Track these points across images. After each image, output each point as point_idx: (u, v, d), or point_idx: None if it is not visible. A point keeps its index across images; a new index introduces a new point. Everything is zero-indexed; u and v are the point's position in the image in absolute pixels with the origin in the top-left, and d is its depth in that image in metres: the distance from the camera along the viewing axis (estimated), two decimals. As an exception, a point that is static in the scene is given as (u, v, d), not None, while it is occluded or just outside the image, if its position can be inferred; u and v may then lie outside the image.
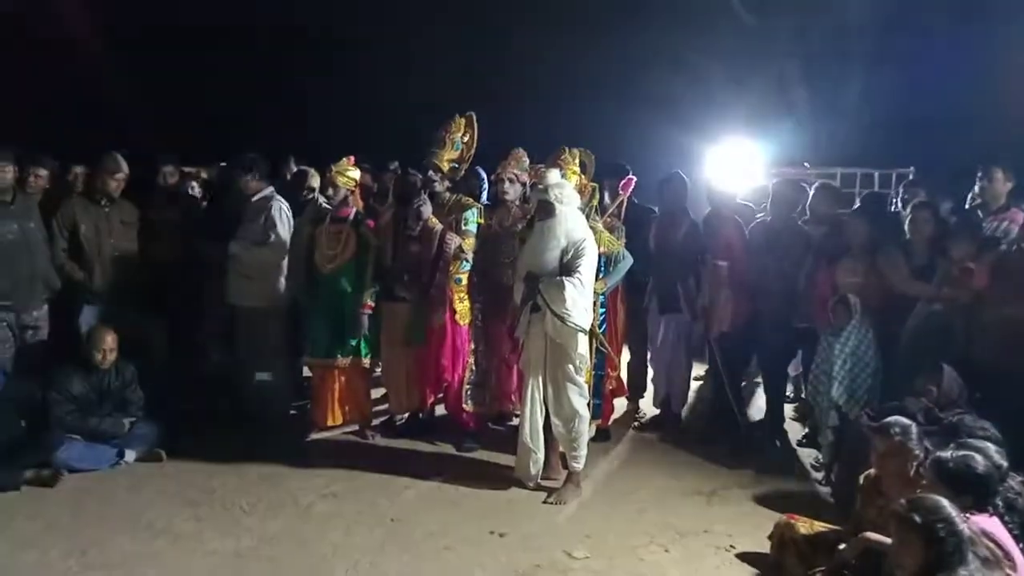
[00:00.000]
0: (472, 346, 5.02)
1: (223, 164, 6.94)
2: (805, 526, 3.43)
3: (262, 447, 4.74)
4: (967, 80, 7.88)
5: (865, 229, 4.78)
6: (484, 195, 5.52)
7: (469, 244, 4.94)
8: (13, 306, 4.75)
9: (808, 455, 4.98)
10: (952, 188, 5.64)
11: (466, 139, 5.17)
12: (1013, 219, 4.87)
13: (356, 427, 5.16)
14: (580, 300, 4.18)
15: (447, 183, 5.18)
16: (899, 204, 6.00)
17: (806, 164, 8.51)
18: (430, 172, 5.10)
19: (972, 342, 4.29)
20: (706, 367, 5.88)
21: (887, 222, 5.28)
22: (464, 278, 4.97)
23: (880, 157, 8.35)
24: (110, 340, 4.64)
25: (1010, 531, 2.87)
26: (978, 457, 2.94)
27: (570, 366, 4.24)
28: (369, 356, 5.06)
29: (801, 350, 5.28)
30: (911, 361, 4.26)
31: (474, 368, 5.02)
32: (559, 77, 10.23)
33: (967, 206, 5.39)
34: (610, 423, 5.26)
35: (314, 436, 5.10)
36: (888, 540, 2.78)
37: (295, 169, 6.22)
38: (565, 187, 4.33)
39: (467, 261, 4.95)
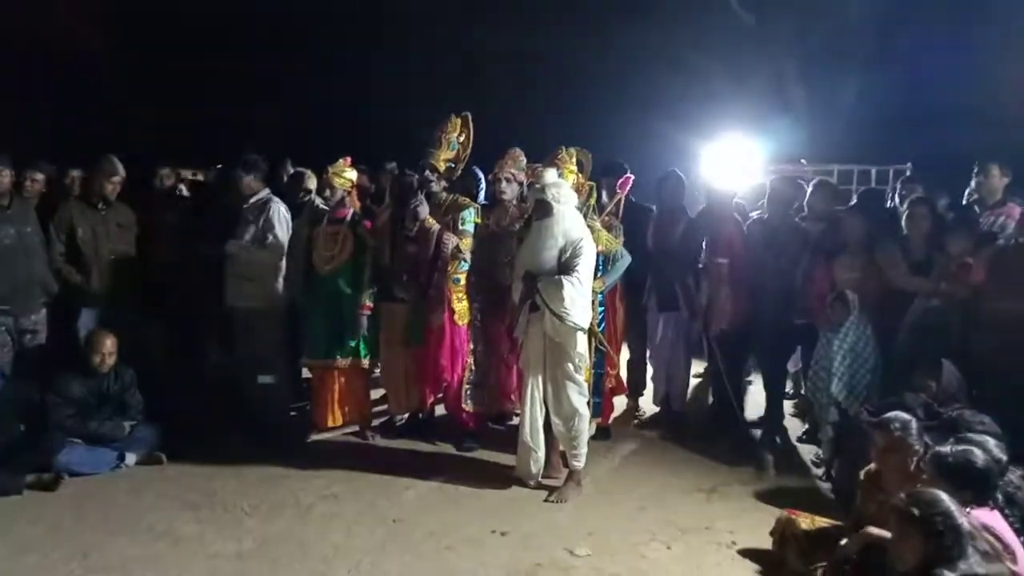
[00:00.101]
0: (471, 346, 5.02)
1: (219, 166, 6.96)
2: (806, 522, 3.45)
3: (262, 449, 4.74)
4: (963, 76, 7.90)
5: (862, 225, 4.79)
6: (481, 195, 5.52)
7: (466, 244, 4.94)
8: (11, 310, 4.76)
9: (808, 451, 4.99)
10: (949, 184, 5.66)
11: (462, 139, 5.17)
12: (1010, 214, 4.89)
13: (356, 428, 5.16)
14: (578, 299, 4.19)
15: (444, 183, 5.18)
16: (896, 200, 6.02)
17: (803, 161, 8.53)
18: (426, 172, 5.10)
19: (970, 337, 4.30)
20: (705, 365, 5.90)
21: (884, 218, 5.30)
22: (462, 278, 4.97)
23: (877, 153, 8.38)
24: (109, 344, 4.63)
25: (1010, 525, 2.88)
26: (977, 451, 2.95)
27: (569, 365, 4.24)
28: (368, 357, 5.06)
29: (800, 347, 5.29)
30: (909, 356, 4.28)
31: (473, 368, 5.02)
32: (556, 76, 10.25)
33: (964, 202, 5.41)
34: (610, 421, 5.26)
35: (314, 437, 5.10)
36: (888, 535, 2.79)
37: (292, 171, 6.22)
38: (562, 186, 4.33)
39: (465, 261, 4.94)
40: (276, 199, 5.28)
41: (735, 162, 7.90)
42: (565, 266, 4.18)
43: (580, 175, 4.77)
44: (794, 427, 5.39)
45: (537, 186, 4.35)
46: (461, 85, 8.82)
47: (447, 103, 5.35)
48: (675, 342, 5.51)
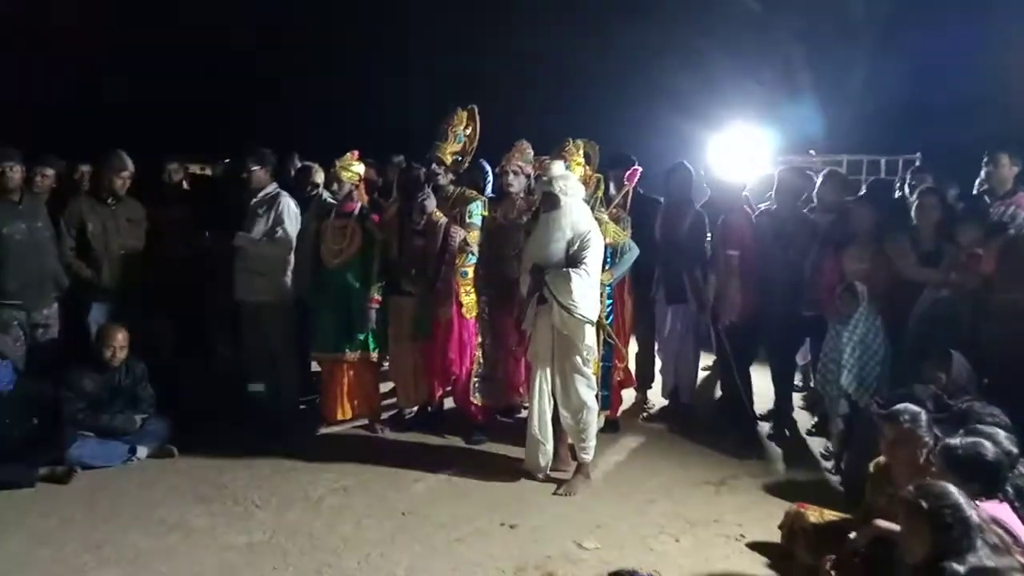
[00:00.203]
0: (479, 339, 5.03)
1: (227, 160, 6.98)
2: (815, 515, 3.44)
3: (272, 442, 4.77)
4: (973, 66, 7.83)
5: (871, 216, 4.76)
6: (489, 188, 5.52)
7: (474, 237, 4.94)
8: (23, 305, 4.78)
9: (817, 444, 4.98)
10: (958, 174, 5.62)
11: (468, 132, 5.17)
12: (1020, 204, 4.84)
13: (365, 421, 5.19)
14: (587, 291, 4.19)
15: (451, 176, 5.18)
16: (906, 190, 5.98)
17: (812, 152, 8.49)
18: (433, 166, 5.11)
19: (980, 328, 4.27)
20: (713, 357, 5.89)
21: (893, 209, 5.27)
22: (470, 271, 4.97)
23: (886, 144, 8.33)
24: (120, 338, 4.66)
25: (1021, 518, 2.87)
26: (987, 444, 2.94)
27: (577, 357, 4.25)
28: (377, 350, 5.07)
29: (809, 339, 5.28)
30: (919, 348, 4.26)
31: (481, 361, 5.04)
32: (562, 68, 10.22)
33: (974, 192, 5.37)
34: (619, 414, 5.27)
35: (324, 430, 5.12)
36: (897, 527, 2.78)
37: (299, 165, 6.22)
38: (570, 178, 4.33)
39: (472, 254, 4.95)
40: (285, 193, 5.30)
41: (743, 153, 7.87)
42: (573, 259, 4.17)
43: (587, 167, 4.76)
44: (803, 420, 5.38)
45: (544, 179, 4.35)
46: (467, 79, 8.80)
47: (452, 97, 5.35)
48: (684, 335, 5.50)
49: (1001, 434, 3.09)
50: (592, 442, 4.36)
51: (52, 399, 4.47)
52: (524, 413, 4.81)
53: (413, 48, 10.59)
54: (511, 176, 5.00)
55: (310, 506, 4.07)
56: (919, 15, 8.73)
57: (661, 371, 5.77)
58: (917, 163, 7.26)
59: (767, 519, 3.80)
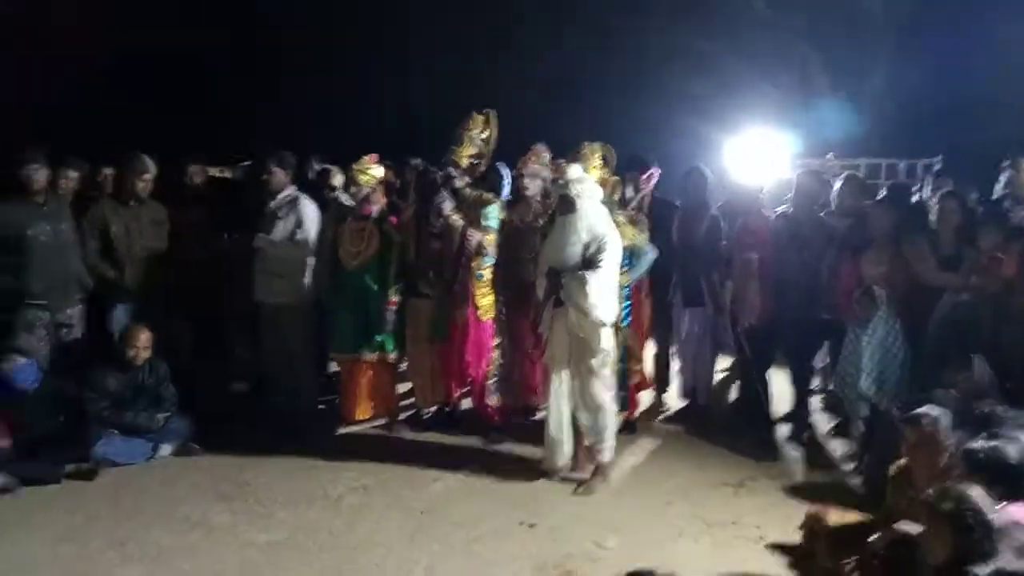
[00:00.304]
0: (496, 340, 5.05)
1: (247, 163, 7.04)
2: (835, 517, 3.43)
3: (292, 441, 4.81)
4: (993, 68, 7.79)
5: (890, 219, 4.74)
6: (505, 191, 5.54)
7: (490, 240, 4.97)
8: (48, 305, 4.85)
9: (837, 446, 4.96)
10: (978, 177, 5.60)
11: (486, 136, 5.20)
12: (1042, 207, 4.82)
13: (384, 421, 5.22)
14: (603, 294, 4.20)
15: (468, 179, 5.21)
16: (925, 193, 5.95)
17: (830, 155, 8.45)
18: (450, 169, 5.14)
19: (1001, 331, 4.25)
20: (730, 360, 5.88)
21: (912, 212, 5.25)
22: (486, 274, 5.00)
23: (905, 147, 8.27)
24: (143, 338, 4.73)
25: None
26: (1010, 447, 2.93)
27: (594, 360, 4.25)
28: (395, 351, 5.11)
29: (828, 342, 5.26)
30: (939, 351, 4.24)
31: (499, 362, 5.06)
32: (579, 72, 10.24)
33: (994, 195, 5.34)
34: (636, 415, 5.27)
35: (343, 430, 5.16)
36: (919, 530, 2.78)
37: (318, 168, 6.28)
38: (586, 182, 4.35)
39: (489, 257, 4.98)
40: (304, 196, 5.34)
41: (760, 156, 7.85)
42: (589, 261, 4.19)
43: (604, 170, 4.78)
44: (823, 423, 5.36)
45: (561, 182, 4.36)
46: (485, 83, 8.85)
47: (471, 100, 5.39)
48: (701, 337, 5.50)
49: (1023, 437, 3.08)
50: (610, 443, 4.36)
51: (77, 398, 4.55)
52: (541, 414, 4.82)
53: (419, 50, 10.64)
54: (527, 179, 5.03)
55: (330, 505, 4.10)
56: (938, 16, 8.69)
57: (678, 373, 5.77)
58: (936, 166, 7.21)
59: (786, 521, 3.79)
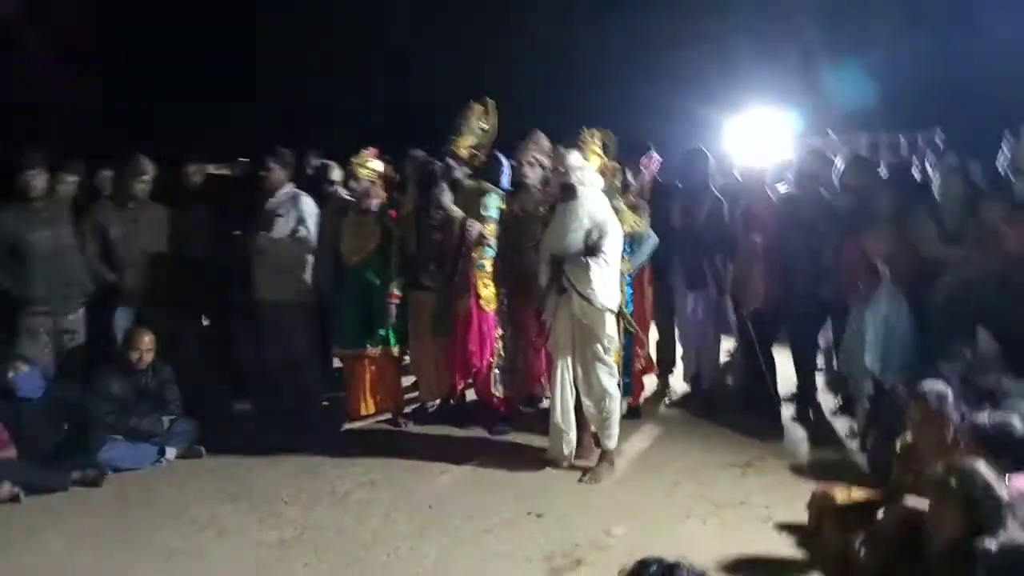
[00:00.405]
0: (499, 331, 5.04)
1: (244, 160, 7.03)
2: (842, 495, 3.42)
3: (298, 439, 4.82)
4: (994, 41, 7.70)
5: (893, 196, 4.71)
6: (505, 180, 5.52)
7: (491, 230, 4.95)
8: (50, 311, 4.85)
9: (843, 425, 4.95)
10: (981, 151, 5.54)
11: (485, 125, 5.19)
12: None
13: (389, 415, 5.23)
14: (606, 280, 4.20)
15: (467, 170, 5.20)
16: (928, 168, 5.90)
17: (830, 132, 8.39)
18: (449, 160, 5.12)
19: (1005, 305, 4.21)
20: (733, 342, 5.86)
21: (915, 188, 5.21)
22: (488, 264, 4.99)
23: (907, 121, 8.19)
24: (146, 341, 4.73)
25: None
26: (1015, 420, 2.91)
27: (598, 346, 4.25)
28: (398, 345, 5.11)
29: (832, 320, 5.24)
30: (944, 326, 4.21)
31: (502, 353, 5.05)
32: (576, 57, 10.17)
33: (997, 168, 5.29)
34: (640, 401, 5.27)
35: (348, 426, 5.17)
36: (926, 506, 2.77)
37: (316, 163, 6.26)
38: (586, 168, 4.33)
39: (490, 247, 4.97)
40: (303, 193, 5.33)
41: (762, 135, 7.81)
42: (591, 248, 4.18)
43: (604, 156, 4.74)
44: (828, 401, 5.34)
45: (561, 169, 4.35)
46: (482, 70, 8.81)
47: (468, 89, 5.37)
48: (704, 320, 5.48)
49: (1029, 410, 3.06)
50: (615, 429, 4.36)
51: (81, 404, 4.54)
52: (546, 403, 4.82)
53: (417, 39, 10.57)
54: (527, 168, 5.00)
55: (338, 501, 4.11)
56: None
57: (682, 357, 5.76)
58: (938, 140, 7.15)
59: (794, 500, 3.79)
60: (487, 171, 5.44)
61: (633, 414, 5.12)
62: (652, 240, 4.96)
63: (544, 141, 5.16)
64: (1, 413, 4.27)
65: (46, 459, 4.31)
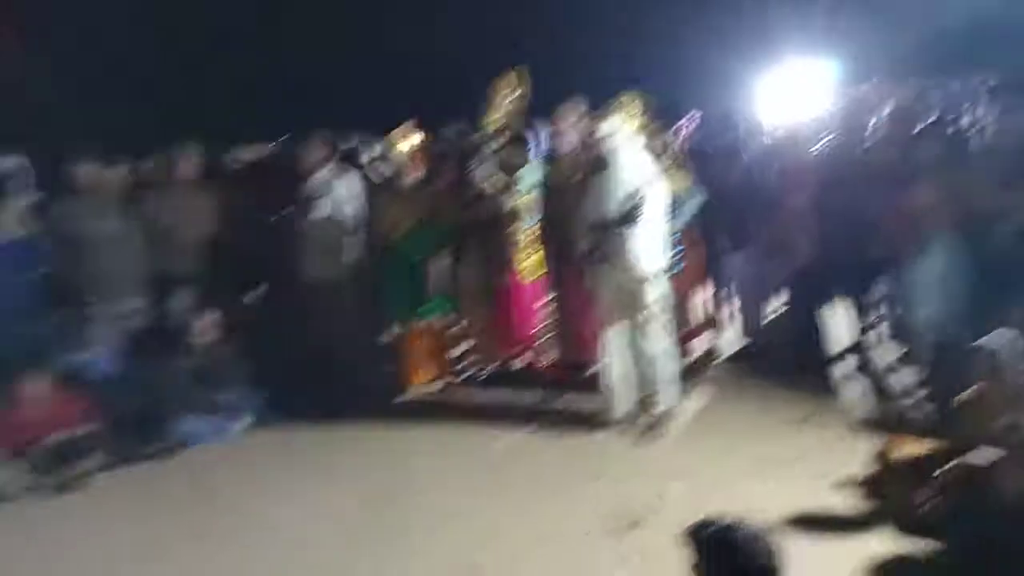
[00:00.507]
0: (545, 298, 5.07)
1: (284, 139, 7.11)
2: (904, 449, 3.40)
3: (355, 410, 4.92)
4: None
5: (941, 145, 4.58)
6: (542, 149, 5.50)
7: (527, 201, 4.96)
8: (113, 297, 5.01)
9: (902, 377, 4.87)
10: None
11: (517, 95, 5.17)
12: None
13: (441, 384, 5.31)
14: (649, 244, 4.18)
15: (502, 141, 5.19)
16: (979, 113, 5.70)
17: (874, 80, 8.14)
18: (483, 131, 5.12)
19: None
20: (783, 299, 5.79)
21: (965, 134, 5.05)
22: (526, 236, 5.00)
23: (956, 64, 7.90)
24: (207, 320, 4.89)
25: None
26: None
27: (648, 309, 4.25)
28: (446, 315, 5.17)
29: (885, 275, 5.13)
30: (1004, 275, 4.10)
31: (549, 320, 5.08)
32: (608, 20, 10.00)
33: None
34: (692, 361, 5.25)
35: (402, 396, 5.26)
36: (993, 459, 2.74)
37: (356, 141, 6.31)
38: (624, 133, 4.29)
39: (528, 218, 4.97)
40: (343, 172, 5.38)
41: (800, 88, 7.61)
42: (632, 213, 4.16)
43: (641, 120, 4.69)
44: (887, 353, 5.25)
45: (598, 136, 4.32)
46: (511, 37, 8.71)
47: (501, 58, 5.33)
48: (753, 278, 5.43)
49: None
50: (668, 391, 4.38)
51: (153, 382, 4.72)
52: (597, 367, 4.84)
53: (450, 14, 10.49)
54: (563, 136, 4.97)
55: (398, 469, 4.20)
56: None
57: (732, 316, 5.72)
58: (990, 84, 6.89)
59: (854, 455, 3.76)
60: (523, 140, 5.43)
61: (685, 375, 5.11)
62: (695, 200, 4.91)
63: (580, 108, 5.12)
64: (82, 391, 4.47)
65: (122, 435, 4.50)
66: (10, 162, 5.10)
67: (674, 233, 4.64)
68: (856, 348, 5.15)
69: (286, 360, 5.40)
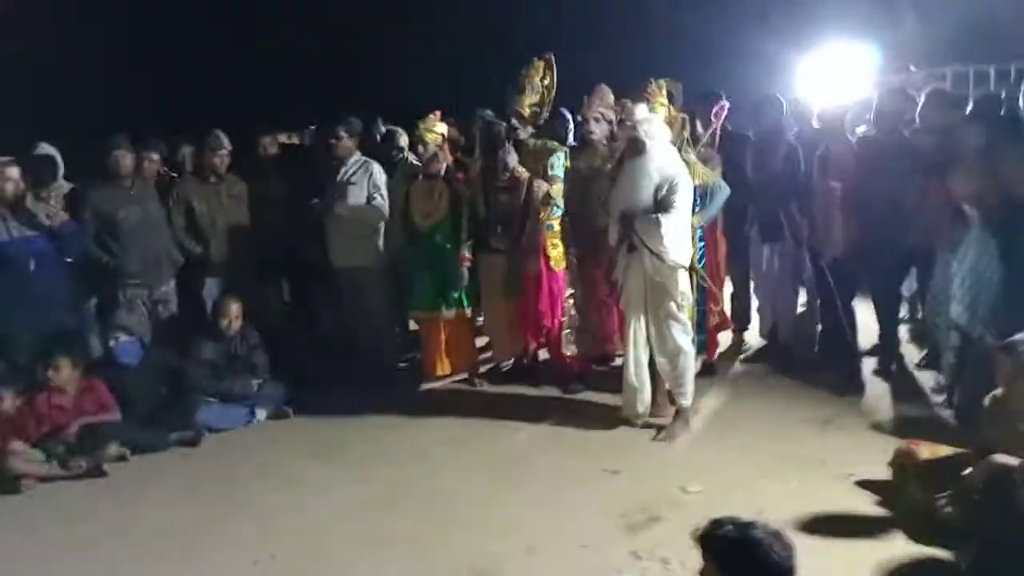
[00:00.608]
0: (570, 290, 5.06)
1: (314, 128, 7.17)
2: (927, 451, 3.36)
3: (378, 400, 4.98)
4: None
5: (981, 133, 4.45)
6: (571, 137, 5.47)
7: (557, 189, 4.94)
8: (144, 283, 5.14)
9: (927, 378, 4.80)
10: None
11: (546, 82, 5.15)
12: None
13: (464, 375, 5.34)
14: (677, 236, 4.15)
15: (531, 129, 5.17)
16: (1020, 102, 5.52)
17: (912, 67, 7.93)
18: (512, 120, 5.11)
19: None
20: (807, 295, 5.71)
21: (1005, 124, 4.89)
22: (556, 224, 5.00)
23: (996, 51, 7.66)
24: (235, 308, 4.96)
25: None
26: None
27: (672, 303, 4.22)
28: (471, 307, 5.19)
29: (915, 269, 5.04)
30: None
31: (573, 312, 5.08)
32: (640, 5, 9.87)
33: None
34: (716, 357, 5.22)
35: (425, 386, 5.31)
36: (1017, 462, 2.69)
37: (384, 130, 6.34)
38: (653, 121, 4.25)
39: (557, 207, 4.96)
40: (372, 160, 5.42)
41: (838, 73, 7.45)
42: (661, 203, 4.12)
43: (671, 107, 4.63)
44: (911, 354, 5.18)
45: (627, 123, 4.28)
46: (541, 25, 8.65)
47: (530, 45, 5.30)
48: (781, 272, 5.37)
49: None
50: (690, 387, 4.35)
51: (177, 370, 4.84)
52: (619, 361, 4.83)
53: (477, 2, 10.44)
54: (592, 123, 4.93)
55: (418, 460, 4.25)
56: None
57: (758, 311, 5.66)
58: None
59: (875, 457, 3.71)
60: (552, 129, 5.41)
61: (708, 371, 5.08)
62: (724, 192, 4.83)
63: (609, 95, 5.07)
64: (105, 379, 4.57)
65: (147, 421, 4.61)
66: (46, 148, 5.24)
67: (700, 226, 4.59)
68: (884, 345, 5.08)
69: (311, 349, 5.50)
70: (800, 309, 5.71)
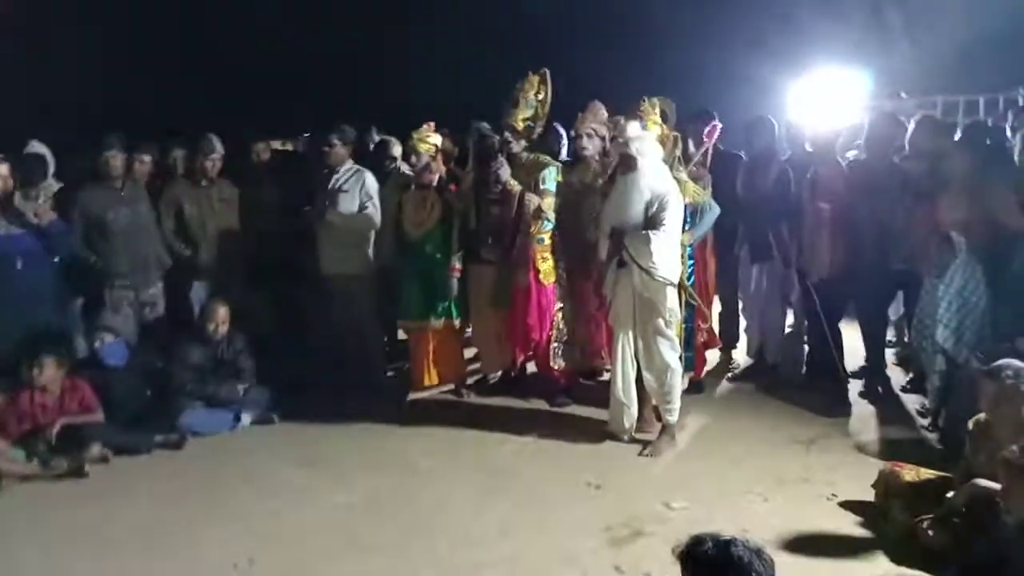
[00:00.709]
0: (559, 304, 5.07)
1: (307, 135, 7.17)
2: (911, 474, 3.37)
3: (364, 408, 4.96)
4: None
5: (968, 161, 4.51)
6: (563, 152, 5.50)
7: (548, 203, 4.96)
8: (132, 285, 5.12)
9: (912, 401, 4.84)
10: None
11: (540, 97, 5.18)
12: None
13: (451, 386, 5.33)
14: (667, 253, 4.17)
15: (524, 143, 5.20)
16: (1008, 132, 5.61)
17: (902, 94, 8.04)
18: (506, 133, 5.13)
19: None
20: (798, 315, 5.74)
21: (992, 153, 4.96)
22: (546, 237, 5.01)
23: (985, 81, 7.78)
24: (223, 312, 4.93)
25: None
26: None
27: (660, 320, 4.24)
28: (460, 318, 5.19)
29: (903, 293, 5.09)
30: (1021, 300, 4.05)
31: (561, 326, 5.08)
32: (633, 23, 9.95)
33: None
34: (703, 375, 5.24)
35: (412, 396, 5.29)
36: (999, 487, 2.71)
37: (377, 139, 6.35)
38: (646, 139, 4.28)
39: (548, 220, 4.98)
40: (365, 169, 5.42)
41: (830, 98, 7.53)
42: (652, 220, 4.15)
43: (664, 126, 4.68)
44: (897, 377, 5.21)
45: (620, 140, 4.31)
46: (538, 40, 8.70)
47: (525, 60, 5.33)
48: (769, 292, 5.40)
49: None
50: (676, 403, 4.36)
51: (162, 372, 4.80)
52: (606, 376, 4.84)
53: (470, 13, 10.48)
54: (585, 139, 4.96)
55: (404, 469, 4.23)
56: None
57: (746, 330, 5.69)
58: (1020, 101, 6.78)
59: (859, 478, 3.73)
60: (545, 143, 5.43)
61: (695, 388, 5.09)
62: (714, 211, 4.88)
63: (602, 112, 5.10)
64: (90, 380, 4.53)
65: (131, 423, 4.57)
66: (37, 147, 5.22)
67: (689, 244, 4.62)
68: (870, 368, 5.11)
69: (298, 355, 5.47)
70: (788, 330, 5.74)
